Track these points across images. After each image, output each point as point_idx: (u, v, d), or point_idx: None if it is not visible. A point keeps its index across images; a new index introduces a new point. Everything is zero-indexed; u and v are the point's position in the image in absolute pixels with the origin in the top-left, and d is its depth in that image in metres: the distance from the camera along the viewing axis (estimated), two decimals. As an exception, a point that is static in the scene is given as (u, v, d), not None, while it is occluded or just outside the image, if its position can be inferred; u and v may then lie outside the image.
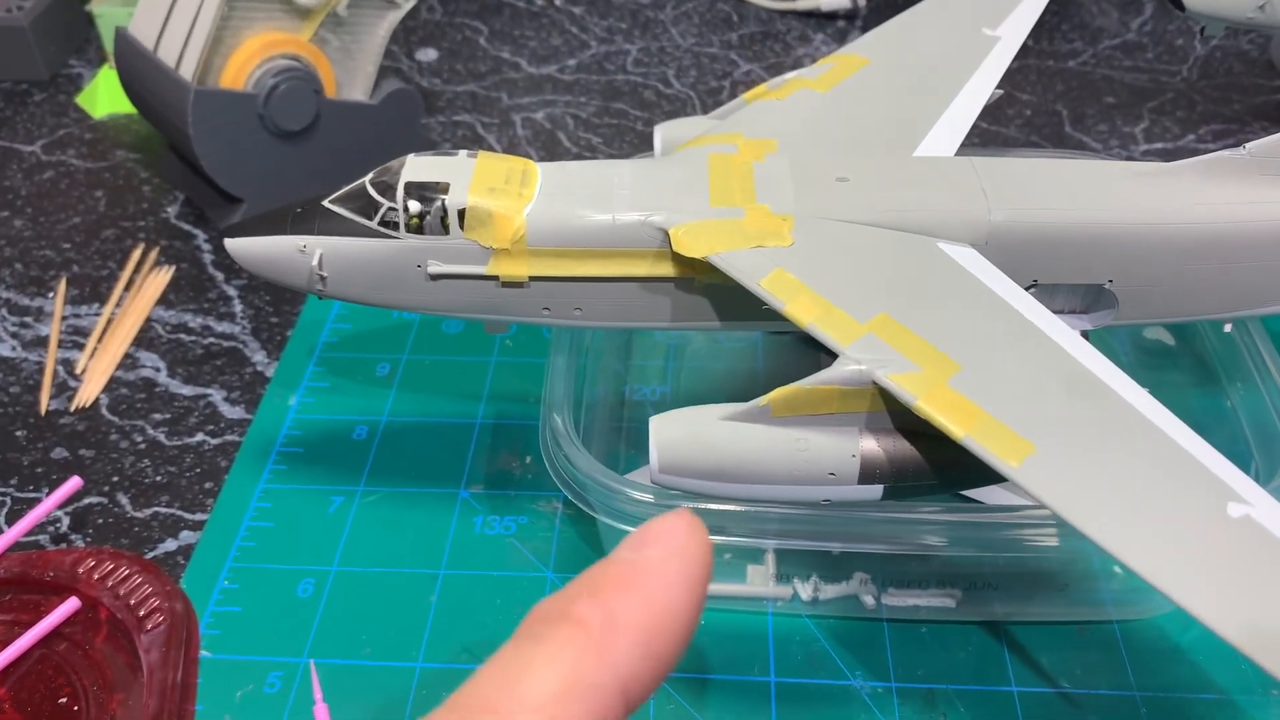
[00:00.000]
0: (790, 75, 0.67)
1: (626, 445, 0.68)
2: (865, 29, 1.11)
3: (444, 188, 0.55)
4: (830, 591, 0.58)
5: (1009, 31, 0.72)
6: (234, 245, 0.57)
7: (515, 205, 0.54)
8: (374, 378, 0.74)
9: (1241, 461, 0.59)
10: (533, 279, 0.55)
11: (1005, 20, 0.73)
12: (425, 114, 0.98)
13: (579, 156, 0.95)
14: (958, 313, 0.50)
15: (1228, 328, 0.61)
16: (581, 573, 0.31)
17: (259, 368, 0.75)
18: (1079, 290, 0.56)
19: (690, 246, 0.52)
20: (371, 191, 0.56)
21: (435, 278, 0.56)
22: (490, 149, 0.95)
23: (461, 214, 0.54)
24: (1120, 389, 0.46)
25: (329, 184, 0.89)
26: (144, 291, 0.82)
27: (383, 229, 0.55)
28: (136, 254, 0.85)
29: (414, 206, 0.55)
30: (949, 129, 0.62)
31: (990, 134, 0.95)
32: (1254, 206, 0.54)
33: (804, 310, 0.49)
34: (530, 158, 0.94)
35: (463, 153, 0.57)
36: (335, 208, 0.56)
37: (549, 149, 0.96)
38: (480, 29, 1.13)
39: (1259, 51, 1.06)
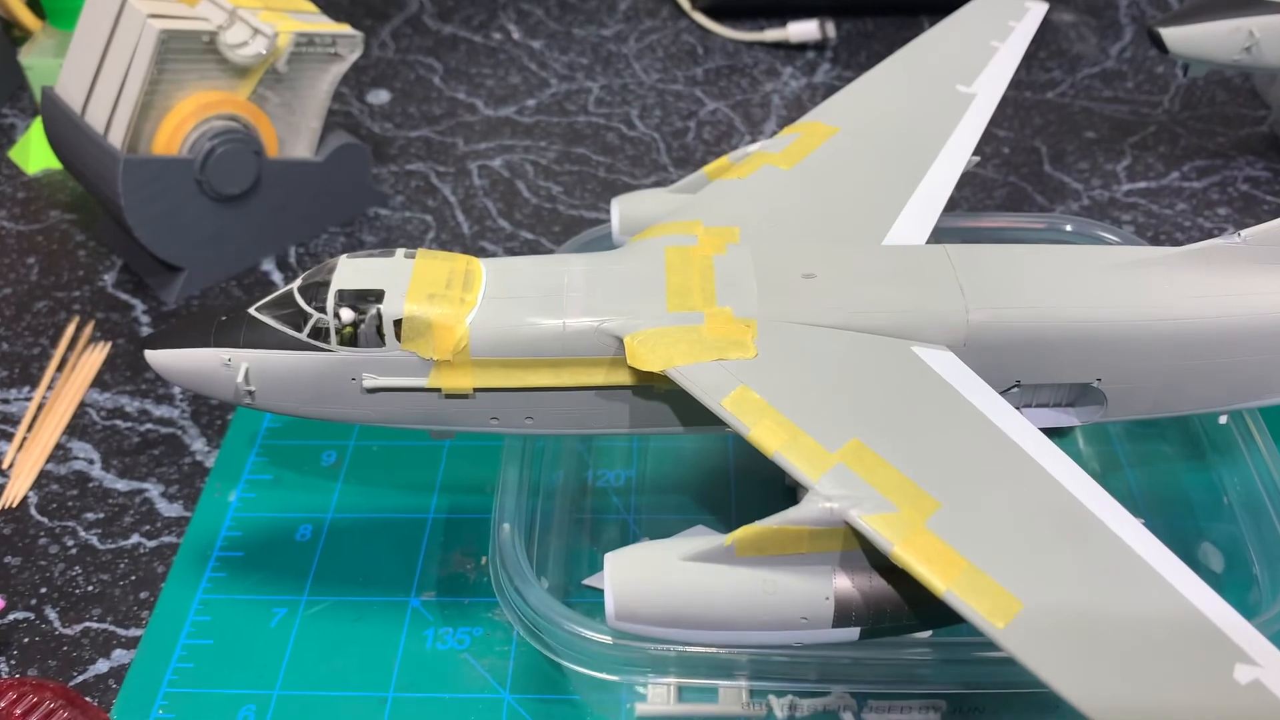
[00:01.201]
0: (753, 148, 0.63)
1: (590, 539, 0.64)
2: (835, 60, 1.07)
3: (379, 295, 0.50)
4: (806, 709, 0.54)
5: (984, 87, 0.68)
6: (155, 358, 0.53)
7: (457, 313, 0.50)
8: (318, 468, 0.69)
9: (1234, 547, 0.56)
10: (478, 390, 0.51)
11: (980, 75, 0.69)
12: (376, 164, 0.94)
13: (539, 207, 0.90)
14: (935, 435, 0.46)
15: (1224, 419, 0.57)
16: None
17: (198, 457, 0.71)
18: (1065, 388, 0.53)
19: (646, 359, 0.48)
20: (300, 300, 0.51)
21: (371, 391, 0.51)
22: (445, 200, 0.91)
23: (398, 324, 0.50)
24: (1113, 523, 0.42)
25: (273, 247, 0.86)
26: (78, 372, 0.77)
27: (313, 340, 0.51)
28: (70, 329, 0.80)
29: (346, 315, 0.50)
30: (922, 208, 0.59)
31: (967, 176, 0.91)
32: (1251, 298, 0.51)
33: (770, 436, 0.45)
34: (488, 209, 0.90)
35: (400, 252, 0.53)
36: (262, 316, 0.52)
37: (507, 200, 0.91)
38: (435, 67, 1.08)
39: (1242, 80, 1.02)
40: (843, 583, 0.44)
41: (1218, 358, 0.51)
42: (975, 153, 0.64)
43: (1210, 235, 0.85)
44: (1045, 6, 0.78)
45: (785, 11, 1.09)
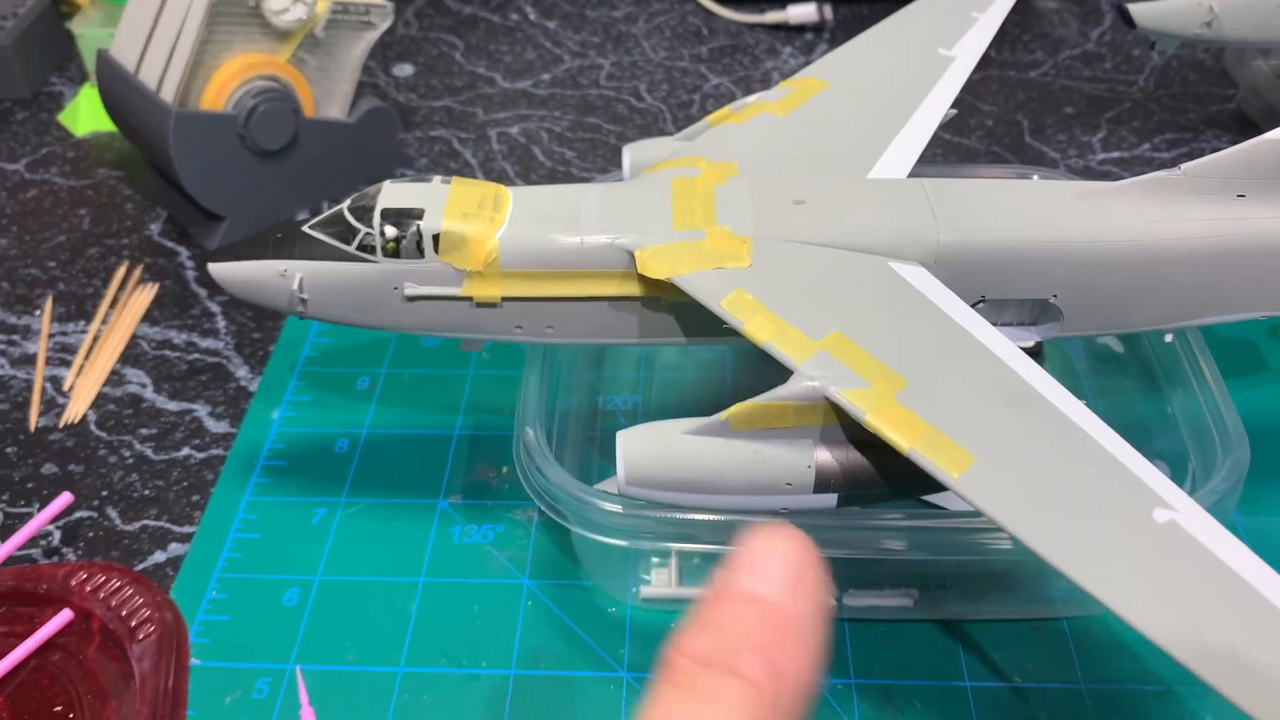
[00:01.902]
0: (752, 99, 0.69)
1: (599, 455, 0.71)
2: (832, 41, 1.14)
3: (419, 213, 0.57)
4: (793, 593, 0.61)
5: (963, 51, 0.75)
6: (217, 269, 0.59)
7: (488, 229, 0.57)
8: (354, 392, 0.76)
9: (1180, 464, 0.62)
10: (505, 299, 0.58)
11: (960, 40, 0.76)
12: (402, 130, 1.00)
13: (553, 170, 0.97)
14: (906, 330, 0.52)
15: (1168, 338, 0.64)
16: (714, 599, 0.33)
17: (242, 383, 0.78)
18: (1026, 304, 0.59)
19: (654, 268, 0.55)
20: (349, 217, 0.58)
21: (411, 299, 0.58)
22: (466, 163, 0.98)
23: (436, 238, 0.57)
24: (1057, 401, 0.49)
25: (308, 200, 0.93)
26: (129, 309, 0.84)
27: (360, 253, 0.57)
28: (121, 272, 0.87)
29: (390, 231, 0.57)
30: (903, 150, 0.65)
31: (953, 145, 0.98)
32: (1187, 224, 0.57)
33: (761, 329, 0.52)
34: (506, 172, 0.97)
35: (437, 178, 0.60)
36: (315, 233, 0.59)
37: (524, 163, 0.98)
38: (456, 44, 1.15)
39: (1214, 61, 1.09)
40: (822, 454, 0.50)
41: (1159, 277, 0.58)
42: (952, 107, 0.70)
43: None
44: (1023, -17, 0.85)
45: (785, -4, 1.16)
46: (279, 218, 0.91)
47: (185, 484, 0.71)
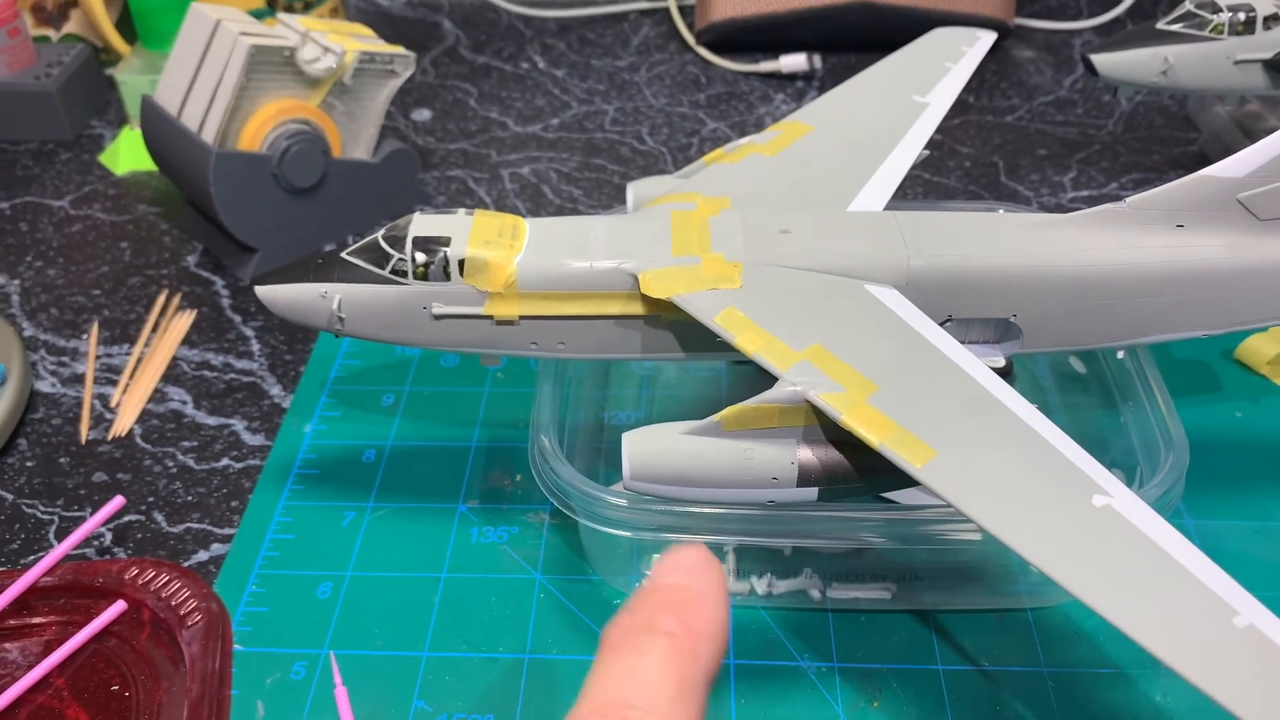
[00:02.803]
0: (743, 141, 0.77)
1: (605, 464, 0.77)
2: (822, 88, 1.21)
3: (446, 241, 0.64)
4: (782, 586, 0.67)
5: (936, 98, 0.82)
6: (264, 291, 0.66)
7: (508, 255, 0.64)
8: (380, 407, 0.83)
9: (1131, 471, 0.69)
10: (522, 318, 0.65)
11: (934, 88, 0.83)
12: (421, 170, 1.08)
13: (561, 207, 1.04)
14: (879, 344, 0.59)
15: (1120, 354, 0.71)
16: (638, 594, 0.42)
17: (276, 400, 0.84)
18: (990, 323, 0.66)
19: (656, 289, 0.62)
20: (384, 245, 0.65)
21: (439, 317, 0.65)
22: (481, 200, 1.05)
23: (461, 263, 0.63)
24: (1011, 405, 0.55)
25: (335, 234, 1.00)
26: (169, 333, 0.91)
27: (394, 276, 0.64)
28: (161, 299, 0.94)
29: (420, 257, 0.64)
30: (879, 187, 0.72)
31: (932, 184, 1.06)
32: (1131, 251, 0.64)
33: (750, 341, 0.58)
34: (518, 209, 1.04)
35: (461, 210, 0.67)
36: (352, 259, 0.65)
37: (534, 200, 1.05)
38: (470, 91, 1.23)
39: (1178, 106, 1.17)
40: (804, 452, 0.57)
41: (1108, 299, 0.64)
42: (926, 149, 0.77)
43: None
44: (994, 35, 0.93)
45: (777, 46, 1.25)
46: (308, 250, 0.98)
47: (225, 490, 0.77)
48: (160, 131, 0.95)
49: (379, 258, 0.65)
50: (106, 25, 1.16)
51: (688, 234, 0.65)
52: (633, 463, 0.57)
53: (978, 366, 0.58)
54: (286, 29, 0.96)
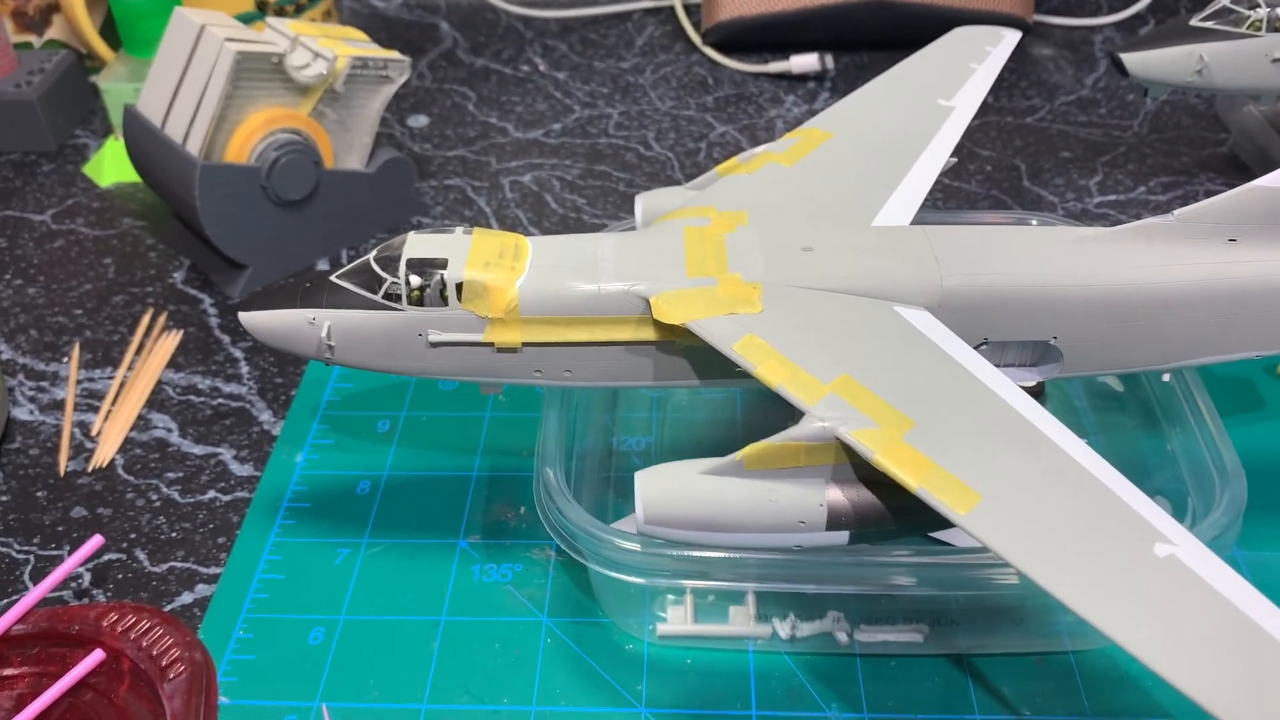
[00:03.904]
0: (759, 150, 0.72)
1: (614, 494, 0.73)
2: (834, 90, 1.17)
3: (443, 263, 0.59)
4: (806, 629, 0.63)
5: (962, 101, 0.78)
6: (248, 318, 0.62)
7: (508, 278, 0.59)
8: (375, 434, 0.78)
9: (1180, 500, 0.64)
10: (525, 345, 0.60)
11: (959, 91, 0.79)
12: (418, 179, 1.03)
13: (565, 217, 1.00)
14: (912, 372, 0.54)
15: (1166, 378, 0.66)
16: None
17: (266, 426, 0.80)
18: (1027, 346, 0.61)
19: (669, 314, 0.57)
20: (376, 267, 0.60)
21: (435, 345, 0.60)
22: (481, 211, 1.01)
23: (459, 287, 0.59)
24: (1059, 440, 0.51)
25: (328, 249, 0.95)
26: (154, 355, 0.86)
27: (386, 301, 0.60)
28: (146, 319, 0.90)
29: (415, 280, 0.59)
30: (905, 198, 0.68)
31: (953, 190, 1.01)
32: (1181, 268, 0.59)
33: (773, 372, 0.54)
34: (519, 219, 1.00)
35: (459, 229, 0.62)
36: (342, 282, 0.61)
37: (536, 210, 1.01)
38: (469, 95, 1.18)
39: (1205, 105, 1.12)
40: (834, 492, 0.52)
41: (1155, 319, 0.60)
42: (953, 155, 0.73)
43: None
44: (1019, 34, 0.88)
45: (788, 46, 1.20)
46: (300, 266, 0.94)
47: (211, 526, 0.73)
48: (143, 143, 0.91)
49: (370, 281, 0.60)
50: (89, 31, 1.12)
51: (703, 252, 0.61)
52: (647, 506, 0.53)
53: (1020, 397, 0.53)
54: (275, 34, 0.91)
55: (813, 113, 1.13)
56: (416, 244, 0.61)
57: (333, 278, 0.61)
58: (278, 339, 0.62)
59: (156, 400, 0.82)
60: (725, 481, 0.52)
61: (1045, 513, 0.47)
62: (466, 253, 0.60)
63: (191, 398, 0.83)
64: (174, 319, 0.90)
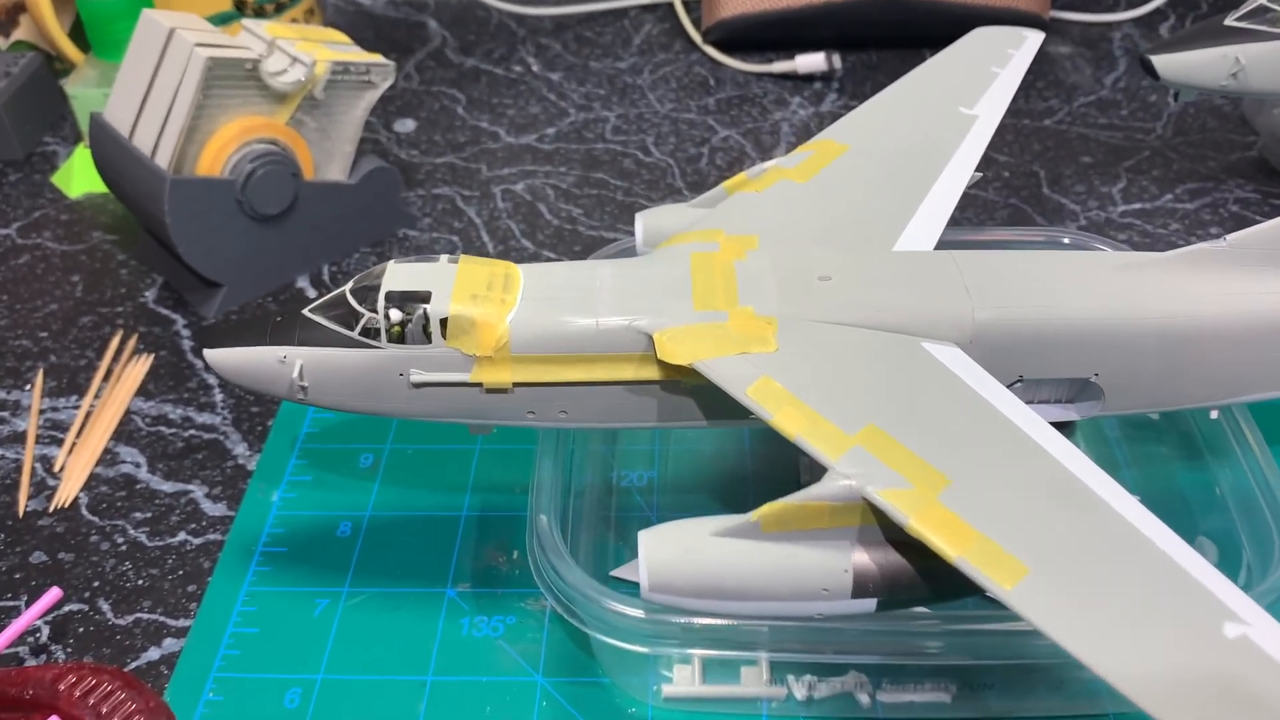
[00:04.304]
0: (769, 164, 0.67)
1: (615, 536, 0.67)
2: (841, 91, 1.11)
3: (425, 296, 0.54)
4: (825, 690, 0.57)
5: (986, 109, 0.73)
6: (213, 356, 0.57)
7: (498, 312, 0.54)
8: (356, 470, 0.73)
9: (1229, 543, 0.59)
10: (517, 385, 0.55)
11: (981, 98, 0.74)
12: (404, 187, 0.98)
13: (560, 229, 0.94)
14: (945, 420, 0.49)
15: (1214, 414, 0.61)
16: None
17: (240, 460, 0.74)
18: (1064, 382, 0.56)
19: (675, 353, 0.52)
20: (352, 301, 0.55)
21: (418, 386, 0.55)
22: (471, 222, 0.95)
23: (444, 323, 0.54)
24: (1111, 499, 0.46)
25: (308, 264, 0.90)
26: (123, 382, 0.81)
27: (364, 339, 0.55)
28: (115, 342, 0.84)
29: (395, 315, 0.54)
30: (929, 218, 0.62)
31: (970, 198, 0.96)
32: (1234, 298, 0.54)
33: (791, 421, 0.49)
34: (511, 231, 0.95)
35: (444, 257, 0.57)
36: (316, 317, 0.56)
37: (530, 221, 0.95)
38: (458, 98, 1.13)
39: (1232, 107, 1.07)
40: (860, 556, 0.47)
41: (1206, 354, 0.55)
42: (978, 169, 0.68)
43: (1203, 253, 0.89)
44: (1041, 35, 0.83)
45: (792, 44, 1.14)
46: (278, 283, 0.89)
47: (180, 572, 0.67)
48: (111, 154, 0.85)
49: (346, 316, 0.55)
50: (57, 32, 1.06)
51: (711, 282, 0.56)
52: (653, 572, 0.47)
53: (1064, 447, 0.48)
54: (251, 37, 0.86)
55: (819, 115, 1.08)
56: (396, 275, 0.55)
57: (306, 311, 0.56)
58: (245, 378, 0.57)
59: (124, 431, 0.77)
60: (739, 545, 0.47)
61: (1100, 587, 0.42)
62: (451, 284, 0.55)
63: (162, 429, 0.77)
64: (145, 342, 0.84)
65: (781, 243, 0.59)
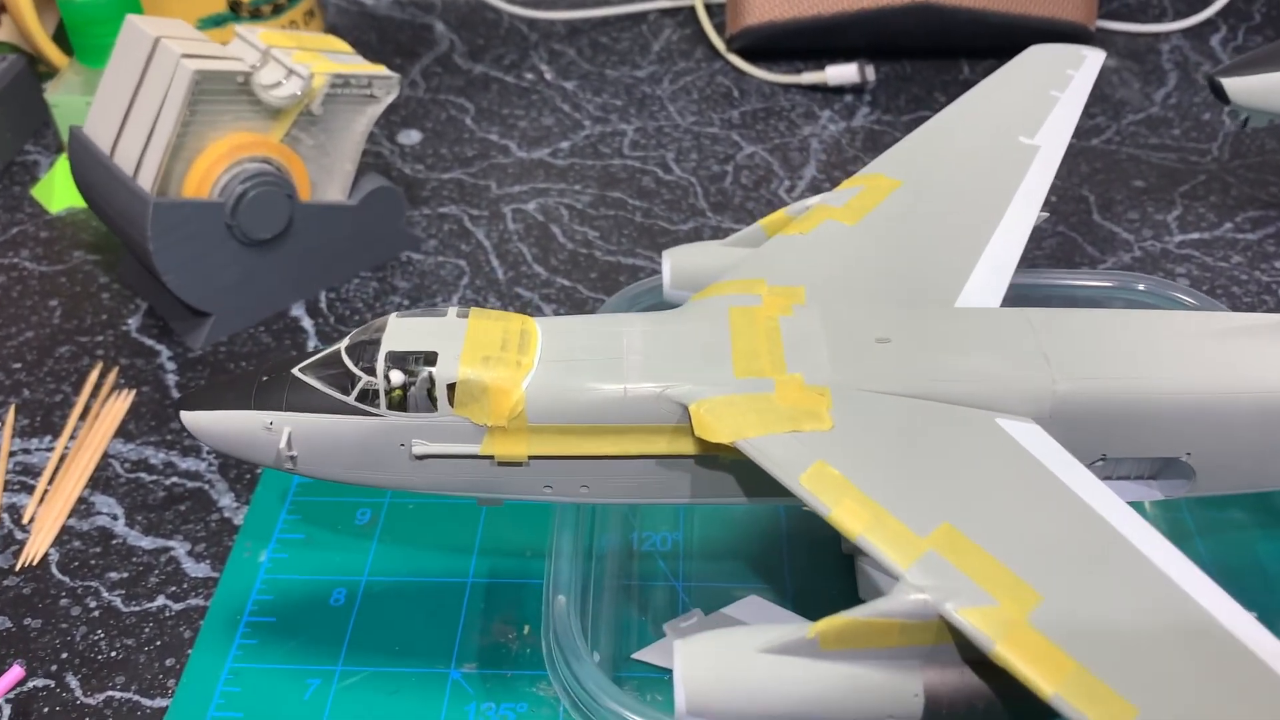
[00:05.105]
0: (813, 201, 0.60)
1: (638, 609, 0.61)
2: (874, 104, 1.05)
3: (431, 358, 0.48)
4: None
5: (1048, 139, 0.66)
6: (192, 420, 0.50)
7: (513, 376, 0.48)
8: (352, 527, 0.66)
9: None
10: (533, 458, 0.49)
11: (1042, 126, 0.67)
12: (408, 206, 0.91)
13: (575, 253, 0.88)
14: (1029, 517, 0.43)
15: (1314, 494, 0.54)
16: None
17: (226, 513, 0.68)
18: (1150, 459, 0.50)
19: (714, 429, 0.46)
20: (347, 360, 0.49)
21: (421, 458, 0.49)
22: (479, 245, 0.89)
23: (451, 388, 0.47)
24: (1225, 618, 0.39)
25: (304, 292, 0.83)
26: (101, 421, 0.74)
27: (360, 404, 0.48)
28: (94, 375, 0.78)
29: (396, 378, 0.48)
30: (993, 269, 0.56)
31: (1014, 225, 0.89)
32: (1351, 371, 0.48)
33: (852, 517, 0.42)
34: (523, 254, 0.88)
35: (452, 311, 0.51)
36: (307, 378, 0.49)
37: (542, 245, 0.89)
38: (466, 107, 1.06)
39: (1291, 126, 1.00)
40: (933, 678, 0.41)
41: (1316, 432, 0.48)
42: (1043, 209, 0.61)
43: (1269, 289, 0.82)
44: (1103, 54, 0.76)
45: (821, 54, 1.08)
46: (272, 311, 0.82)
47: (158, 643, 0.61)
48: (90, 173, 0.79)
49: (341, 378, 0.49)
50: (39, 34, 0.99)
51: (753, 343, 0.49)
52: (691, 692, 0.41)
53: (1170, 554, 0.42)
54: (244, 45, 0.79)
55: (851, 131, 1.01)
56: (398, 332, 0.49)
57: (296, 370, 0.50)
58: (227, 445, 0.50)
59: (101, 478, 0.71)
60: (794, 664, 0.41)
61: (1227, 735, 0.36)
62: (461, 343, 0.48)
63: (142, 475, 0.71)
64: (126, 376, 0.78)
65: (831, 296, 0.53)
